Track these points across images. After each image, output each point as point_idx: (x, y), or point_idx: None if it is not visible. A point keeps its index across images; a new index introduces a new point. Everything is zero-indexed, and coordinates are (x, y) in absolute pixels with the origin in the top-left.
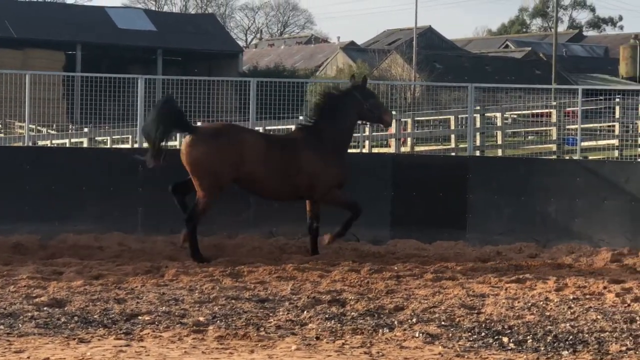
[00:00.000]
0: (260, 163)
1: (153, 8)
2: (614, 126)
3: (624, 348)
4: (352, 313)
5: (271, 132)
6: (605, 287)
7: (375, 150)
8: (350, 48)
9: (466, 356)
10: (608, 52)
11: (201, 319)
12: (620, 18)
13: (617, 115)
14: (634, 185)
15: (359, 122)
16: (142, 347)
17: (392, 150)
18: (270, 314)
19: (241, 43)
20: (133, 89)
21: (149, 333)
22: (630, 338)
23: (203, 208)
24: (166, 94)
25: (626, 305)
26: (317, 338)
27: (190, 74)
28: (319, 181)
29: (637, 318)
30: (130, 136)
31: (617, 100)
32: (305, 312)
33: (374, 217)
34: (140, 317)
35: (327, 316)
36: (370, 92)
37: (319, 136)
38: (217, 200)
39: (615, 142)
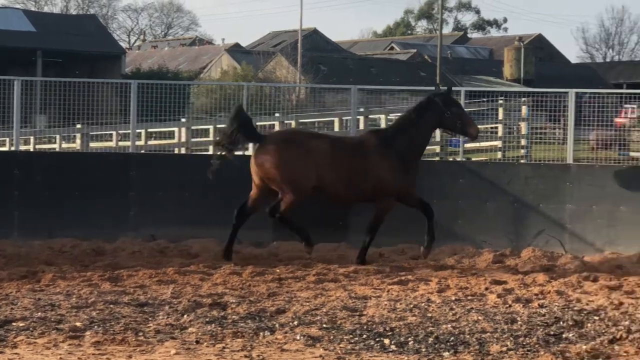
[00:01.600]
0: (330, 168)
1: (33, 8)
2: (497, 128)
3: (504, 348)
4: (233, 316)
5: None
6: (487, 288)
7: None
8: (235, 50)
9: (347, 358)
10: (493, 54)
11: (78, 324)
12: (505, 20)
13: (500, 116)
14: (517, 186)
15: (443, 131)
16: (16, 354)
17: None
18: (150, 319)
19: (124, 45)
20: (10, 91)
21: (23, 339)
22: (511, 338)
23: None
24: (51, 96)
25: (507, 306)
26: (197, 342)
27: (71, 76)
28: (385, 186)
29: (518, 319)
30: (7, 139)
31: (501, 102)
32: (185, 315)
33: (257, 219)
34: (14, 324)
35: (207, 320)
36: (454, 101)
37: (391, 140)
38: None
39: (498, 143)
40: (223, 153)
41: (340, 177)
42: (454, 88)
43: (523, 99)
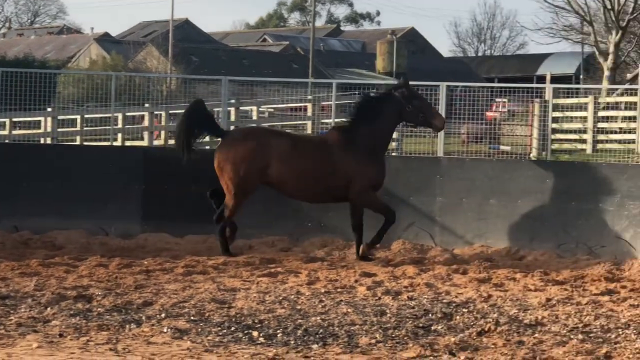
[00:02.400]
0: (288, 165)
1: None
2: None
3: (373, 341)
4: (99, 309)
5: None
6: (356, 281)
7: (128, 143)
8: (105, 39)
9: (215, 351)
10: (365, 47)
11: None
12: (378, 13)
13: None
14: (387, 179)
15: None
16: None
17: (145, 143)
18: (11, 312)
19: None
20: None
21: None
22: (380, 331)
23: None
24: None
25: (377, 298)
26: (61, 335)
27: None
28: (352, 183)
29: (388, 311)
30: None
31: (372, 94)
32: (49, 308)
33: (124, 211)
34: None
35: (72, 312)
36: (415, 93)
37: (353, 137)
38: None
39: None
40: (186, 148)
41: (302, 174)
42: (325, 80)
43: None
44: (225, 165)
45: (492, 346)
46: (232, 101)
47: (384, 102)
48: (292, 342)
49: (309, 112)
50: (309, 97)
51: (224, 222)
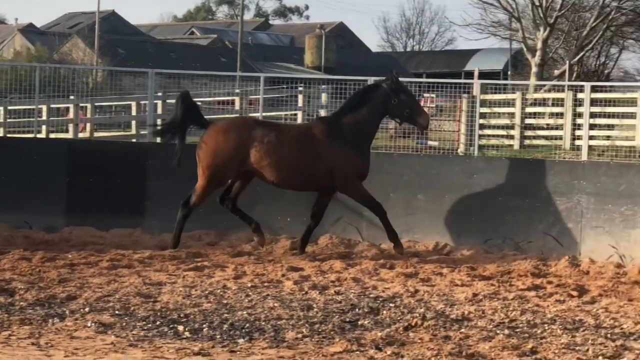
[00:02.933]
0: (269, 155)
1: None
2: (296, 115)
3: (300, 335)
4: (21, 303)
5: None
6: (283, 275)
7: (52, 135)
8: (29, 30)
9: (140, 345)
10: (294, 42)
11: None
12: (307, 7)
13: (300, 103)
14: None
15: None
16: None
17: (70, 136)
18: None
19: None
20: None
21: None
22: (307, 325)
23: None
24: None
25: (304, 292)
26: None
27: None
28: (335, 172)
29: (314, 305)
30: None
31: (301, 89)
32: None
33: (48, 203)
34: None
35: None
36: (403, 88)
37: (336, 128)
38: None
39: None
40: (174, 140)
41: (282, 163)
42: (253, 74)
43: (323, 86)
44: (204, 155)
45: (419, 341)
46: (159, 94)
47: (370, 94)
48: (218, 336)
49: (237, 106)
50: (237, 90)
51: (187, 211)
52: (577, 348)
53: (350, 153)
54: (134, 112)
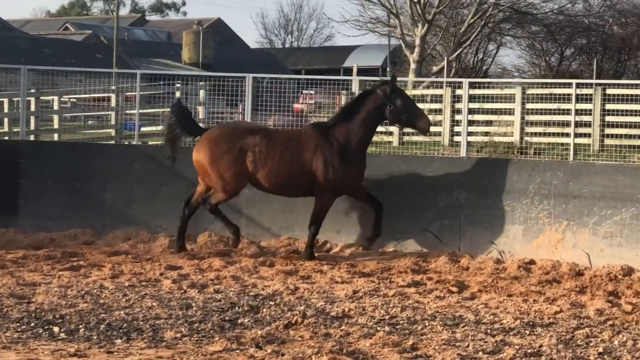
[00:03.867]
0: (263, 161)
1: None
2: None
3: (179, 335)
4: None
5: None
6: (162, 274)
7: None
8: None
9: (13, 348)
10: (171, 37)
11: None
12: (184, 3)
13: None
14: (193, 171)
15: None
16: None
17: None
18: None
19: None
20: None
21: None
22: (186, 324)
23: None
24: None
25: (182, 291)
26: None
27: None
28: (323, 179)
29: (193, 304)
30: None
31: (178, 85)
32: None
33: None
34: None
35: None
36: (399, 92)
37: (327, 134)
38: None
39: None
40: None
41: (274, 171)
42: (129, 70)
43: (201, 82)
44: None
45: (299, 339)
46: (32, 91)
47: (364, 100)
48: (95, 337)
49: (113, 103)
50: (113, 87)
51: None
52: (457, 344)
53: (333, 162)
54: (6, 110)
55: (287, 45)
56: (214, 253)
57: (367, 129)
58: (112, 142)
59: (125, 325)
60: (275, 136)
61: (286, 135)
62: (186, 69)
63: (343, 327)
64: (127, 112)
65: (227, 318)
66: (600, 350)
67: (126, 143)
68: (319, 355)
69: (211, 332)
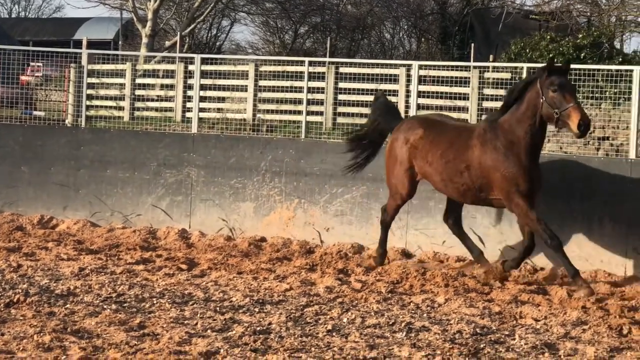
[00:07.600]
0: (427, 160)
1: None
2: None
3: None
4: None
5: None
6: None
7: None
8: None
9: None
10: None
11: None
12: None
13: None
14: None
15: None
16: None
17: None
18: None
19: None
20: None
21: None
22: None
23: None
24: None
25: None
26: None
27: None
28: (491, 183)
29: None
30: None
31: None
32: None
33: None
34: None
35: None
36: (557, 80)
37: (496, 131)
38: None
39: None
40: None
41: (438, 168)
42: None
43: None
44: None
45: (21, 318)
46: None
47: (525, 89)
48: None
49: None
50: None
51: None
52: (186, 322)
53: (504, 162)
54: None
55: (13, 16)
56: None
57: (528, 125)
58: None
59: None
60: (443, 131)
61: (462, 129)
62: None
63: (68, 306)
64: None
65: None
66: (329, 327)
67: None
68: (42, 334)
69: None
